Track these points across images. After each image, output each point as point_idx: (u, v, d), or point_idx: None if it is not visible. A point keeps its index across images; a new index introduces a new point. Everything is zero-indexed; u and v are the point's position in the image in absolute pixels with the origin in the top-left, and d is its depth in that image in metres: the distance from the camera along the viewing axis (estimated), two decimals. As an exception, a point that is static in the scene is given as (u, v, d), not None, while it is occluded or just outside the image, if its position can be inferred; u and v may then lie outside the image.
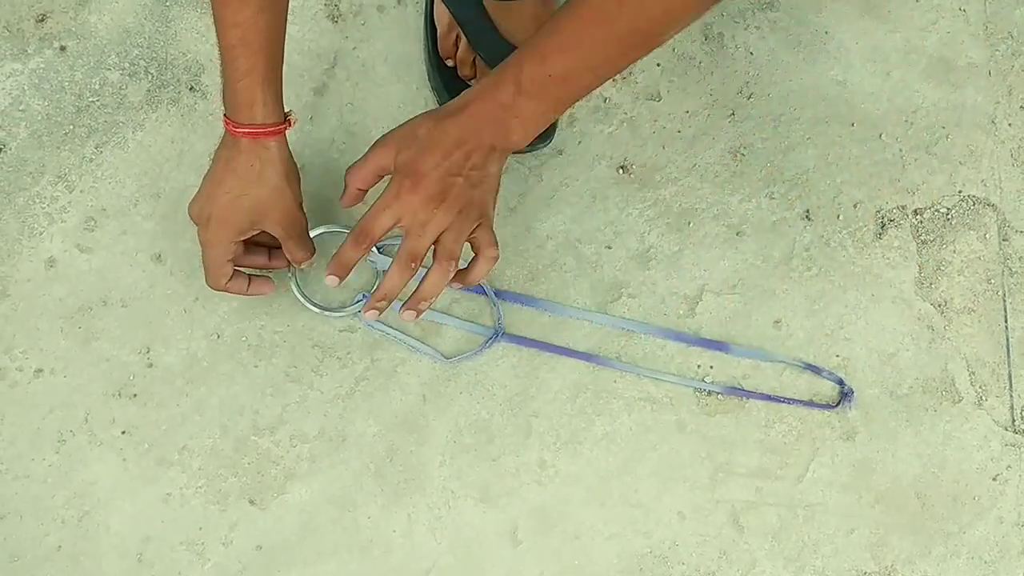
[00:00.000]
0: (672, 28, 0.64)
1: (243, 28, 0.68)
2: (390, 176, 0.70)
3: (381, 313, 0.74)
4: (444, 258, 0.70)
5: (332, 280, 0.72)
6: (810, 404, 0.86)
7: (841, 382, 0.86)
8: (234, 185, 0.74)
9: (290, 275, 0.84)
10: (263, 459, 0.84)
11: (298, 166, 0.89)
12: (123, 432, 0.83)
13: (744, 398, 0.86)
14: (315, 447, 0.84)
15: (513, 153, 0.90)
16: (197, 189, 0.76)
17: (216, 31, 0.70)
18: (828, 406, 0.86)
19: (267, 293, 0.83)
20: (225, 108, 0.73)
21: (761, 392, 0.86)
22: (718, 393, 0.86)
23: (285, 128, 0.74)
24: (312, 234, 0.84)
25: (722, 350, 0.86)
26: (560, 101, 0.67)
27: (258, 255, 0.81)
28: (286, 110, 0.74)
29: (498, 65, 0.68)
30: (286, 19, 0.72)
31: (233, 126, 0.72)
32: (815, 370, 0.86)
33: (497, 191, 0.71)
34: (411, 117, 0.70)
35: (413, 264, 0.70)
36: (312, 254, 0.80)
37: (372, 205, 0.70)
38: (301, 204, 0.78)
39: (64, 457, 0.83)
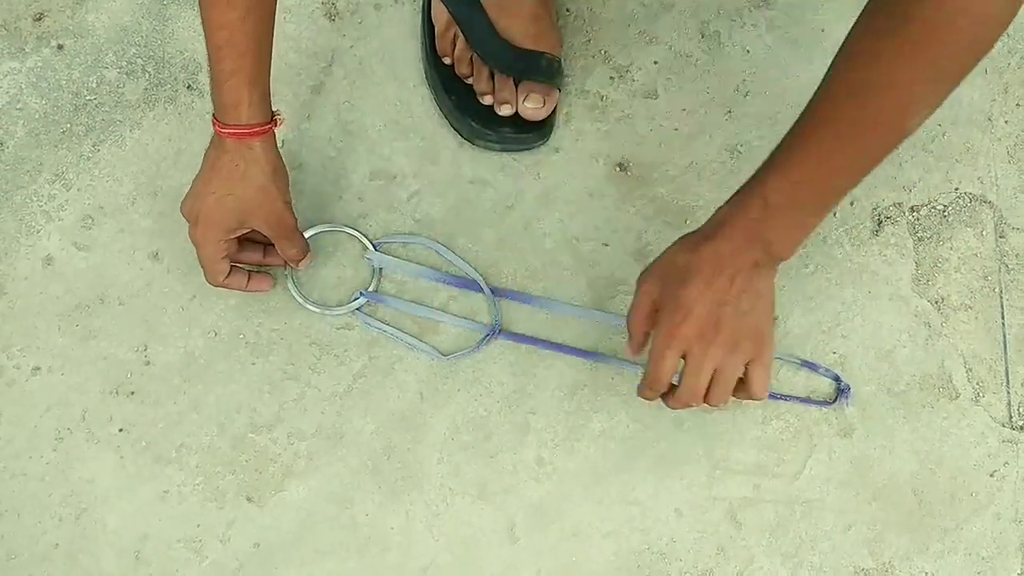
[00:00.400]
0: (916, 122, 0.63)
1: (229, 30, 0.69)
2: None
3: None
4: (715, 399, 0.70)
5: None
6: (807, 401, 0.86)
7: (838, 378, 0.86)
8: (219, 185, 0.74)
9: (287, 273, 0.85)
10: (261, 457, 0.84)
11: (296, 164, 0.89)
12: (120, 430, 0.83)
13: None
14: (313, 445, 0.84)
15: (511, 151, 0.90)
16: (186, 198, 0.77)
17: (204, 32, 0.70)
18: (825, 403, 0.86)
19: (266, 290, 0.83)
20: (213, 108, 0.73)
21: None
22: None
23: (271, 128, 0.74)
24: (308, 233, 0.84)
25: None
26: (816, 205, 0.66)
27: (254, 252, 0.81)
28: (275, 110, 0.75)
29: (744, 184, 0.68)
30: (274, 21, 0.72)
31: (220, 126, 0.73)
32: (812, 367, 0.87)
33: (772, 310, 0.70)
34: (669, 248, 0.71)
35: (694, 403, 0.71)
36: (305, 253, 0.81)
37: (652, 350, 0.70)
38: (289, 203, 0.78)
39: (61, 455, 0.83)
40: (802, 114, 0.65)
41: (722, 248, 0.67)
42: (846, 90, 0.63)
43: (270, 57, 0.73)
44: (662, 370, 0.70)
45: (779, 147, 0.66)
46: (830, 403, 0.86)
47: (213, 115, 0.73)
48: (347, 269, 0.87)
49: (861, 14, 0.62)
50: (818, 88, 0.65)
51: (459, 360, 0.86)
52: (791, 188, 0.65)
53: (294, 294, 0.85)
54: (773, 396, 0.86)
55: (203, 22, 0.70)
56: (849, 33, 0.63)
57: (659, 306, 0.70)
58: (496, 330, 0.85)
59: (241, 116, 0.72)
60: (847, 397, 0.86)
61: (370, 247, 0.86)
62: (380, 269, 0.86)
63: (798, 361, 0.87)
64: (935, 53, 0.59)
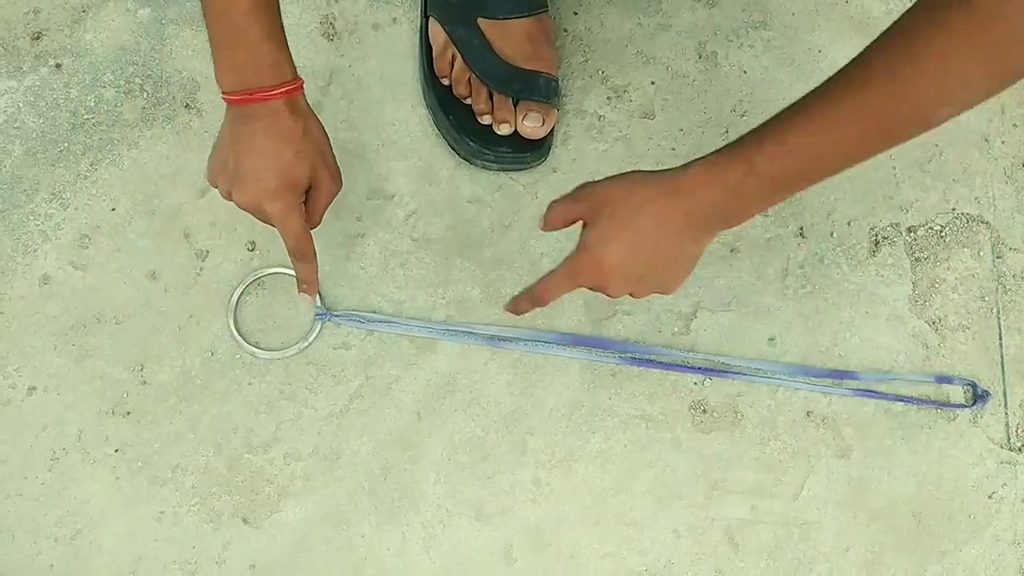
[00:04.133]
0: (942, 115, 0.58)
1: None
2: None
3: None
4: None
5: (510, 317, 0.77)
6: (946, 405, 0.87)
7: (974, 385, 0.88)
8: (286, 148, 0.72)
9: (233, 334, 0.85)
10: (257, 477, 0.83)
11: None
12: (116, 450, 0.83)
13: (858, 396, 0.87)
14: (309, 465, 0.84)
15: (509, 170, 0.90)
16: (240, 184, 0.73)
17: (215, 6, 0.67)
18: (964, 405, 0.87)
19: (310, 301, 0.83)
20: (242, 83, 0.69)
21: (887, 393, 0.88)
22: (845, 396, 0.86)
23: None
24: (266, 272, 0.86)
25: (851, 378, 0.87)
26: (797, 181, 0.63)
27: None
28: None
29: (733, 143, 0.64)
30: None
31: (264, 93, 0.69)
32: (946, 380, 0.87)
33: (694, 267, 0.70)
34: (630, 178, 0.68)
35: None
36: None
37: (564, 270, 0.69)
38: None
39: (57, 475, 0.83)
40: (820, 85, 0.60)
41: (685, 207, 0.65)
42: (884, 57, 0.58)
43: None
44: (558, 292, 0.70)
45: (782, 112, 0.61)
46: (968, 405, 0.87)
47: (242, 92, 0.70)
48: (300, 304, 0.86)
49: None
50: (853, 59, 0.59)
51: (303, 351, 0.85)
52: (785, 155, 0.61)
53: (241, 343, 0.85)
54: (909, 400, 0.87)
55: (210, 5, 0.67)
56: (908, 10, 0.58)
57: (591, 221, 0.68)
58: (326, 315, 0.85)
59: (286, 73, 0.70)
60: (986, 401, 0.87)
61: (319, 302, 0.86)
62: (322, 325, 0.86)
63: (932, 378, 0.87)
64: (996, 38, 0.54)
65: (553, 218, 0.71)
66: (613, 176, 0.69)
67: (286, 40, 0.71)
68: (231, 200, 0.75)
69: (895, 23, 0.58)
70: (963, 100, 0.58)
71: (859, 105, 0.58)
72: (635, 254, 0.67)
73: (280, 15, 0.70)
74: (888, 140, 0.60)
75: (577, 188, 0.70)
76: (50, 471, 0.83)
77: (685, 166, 0.65)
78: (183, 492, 0.83)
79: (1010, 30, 0.53)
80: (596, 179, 0.69)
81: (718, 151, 0.64)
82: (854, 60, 0.59)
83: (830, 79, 0.60)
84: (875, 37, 0.58)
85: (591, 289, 0.70)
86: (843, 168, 0.61)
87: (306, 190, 0.75)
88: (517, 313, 0.75)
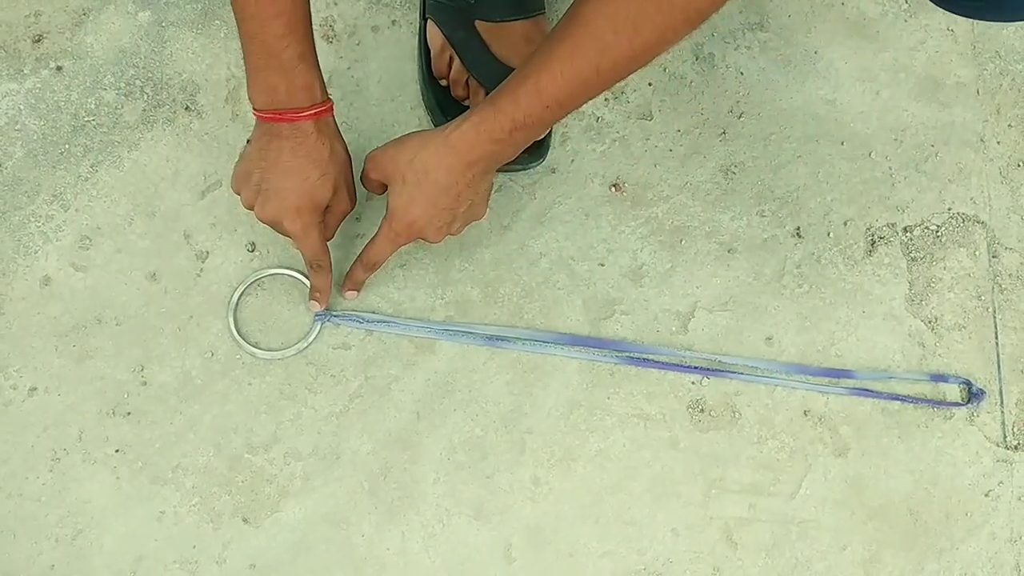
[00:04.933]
0: (664, 49, 0.65)
1: (288, 16, 0.69)
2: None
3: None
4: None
5: (351, 295, 0.85)
6: (940, 404, 0.88)
7: (969, 383, 0.88)
8: (312, 169, 0.74)
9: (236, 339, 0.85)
10: (257, 477, 0.84)
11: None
12: (117, 450, 0.83)
13: (855, 395, 0.87)
14: (309, 465, 0.84)
15: (507, 171, 0.91)
16: (263, 199, 0.76)
17: (248, 29, 0.69)
18: (958, 404, 0.88)
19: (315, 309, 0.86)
20: (273, 103, 0.72)
21: (882, 392, 0.89)
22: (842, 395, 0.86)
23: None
24: (267, 273, 0.87)
25: (848, 377, 0.87)
26: (557, 119, 0.70)
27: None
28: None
29: (491, 95, 0.70)
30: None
31: (294, 114, 0.72)
32: (941, 379, 0.88)
33: (488, 199, 0.79)
34: (408, 142, 0.75)
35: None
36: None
37: (379, 236, 0.78)
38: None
39: (58, 475, 0.83)
40: (548, 39, 0.67)
41: (465, 160, 0.72)
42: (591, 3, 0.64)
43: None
44: (384, 255, 0.80)
45: (526, 66, 0.68)
46: (964, 404, 0.88)
47: (272, 111, 0.72)
48: (300, 305, 0.87)
49: None
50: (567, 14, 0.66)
51: (303, 352, 0.86)
52: (541, 108, 0.67)
53: (241, 343, 0.86)
54: (906, 399, 0.87)
55: (249, 17, 0.69)
56: None
57: (391, 188, 0.76)
58: (326, 315, 0.86)
59: (316, 95, 0.72)
60: (980, 400, 0.87)
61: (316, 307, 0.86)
62: (321, 326, 0.86)
63: (927, 377, 0.87)
64: None
65: (370, 188, 0.79)
66: (392, 144, 0.76)
67: (318, 62, 0.73)
68: (251, 211, 0.77)
69: None
70: (677, 39, 0.65)
71: (586, 46, 0.65)
72: (438, 207, 0.75)
73: (312, 38, 0.72)
74: (623, 75, 0.67)
75: (367, 161, 0.77)
76: (51, 471, 0.83)
77: (456, 124, 0.72)
78: (183, 492, 0.83)
79: None
80: (377, 148, 0.77)
81: (480, 107, 0.70)
82: (568, 14, 0.66)
83: (554, 31, 0.67)
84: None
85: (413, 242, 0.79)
86: (588, 100, 0.69)
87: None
88: (356, 286, 0.84)
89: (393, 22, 0.94)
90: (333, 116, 0.75)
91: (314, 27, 0.93)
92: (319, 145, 0.74)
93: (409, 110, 0.92)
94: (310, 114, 0.72)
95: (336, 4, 0.95)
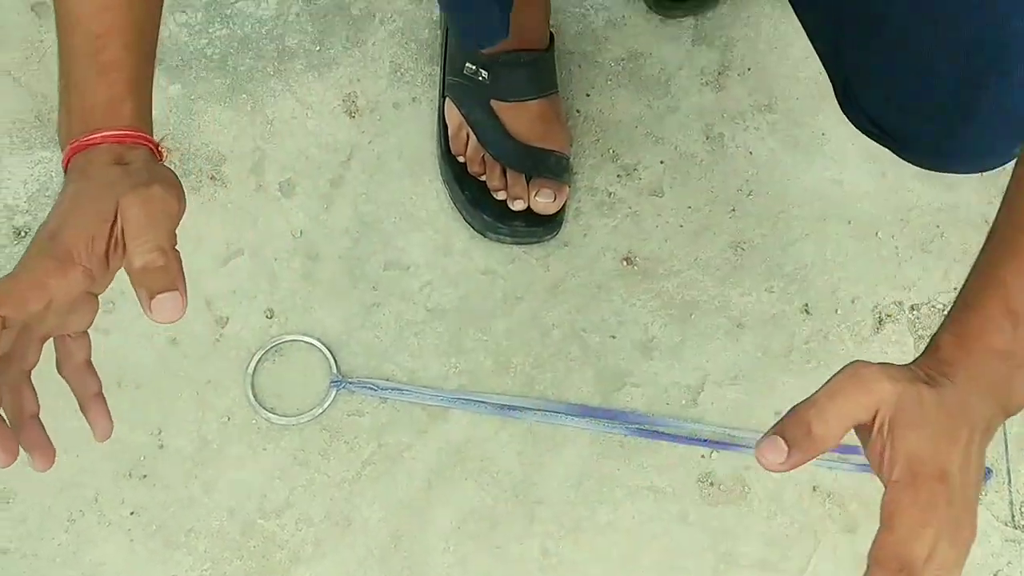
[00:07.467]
0: None
1: (114, 14, 0.54)
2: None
3: None
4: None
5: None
6: None
7: None
8: (89, 199, 0.52)
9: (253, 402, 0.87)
10: (268, 542, 0.84)
11: (313, 254, 0.92)
12: (132, 513, 0.84)
13: (863, 471, 0.84)
14: (320, 531, 0.85)
15: (521, 243, 0.93)
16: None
17: (66, 25, 0.54)
18: None
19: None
20: (70, 128, 0.55)
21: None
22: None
23: (156, 150, 0.56)
24: (288, 339, 0.88)
25: (856, 453, 0.86)
26: None
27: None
28: (159, 140, 0.59)
29: (959, 298, 0.51)
30: (159, 22, 0.58)
31: (83, 139, 0.53)
32: None
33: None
34: (909, 371, 0.49)
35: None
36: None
37: (899, 520, 0.45)
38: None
39: (73, 536, 0.84)
40: (994, 236, 0.52)
41: (961, 396, 0.48)
42: None
43: (153, 69, 0.57)
44: (916, 554, 0.44)
45: (979, 264, 0.51)
46: None
47: (70, 143, 0.54)
48: (316, 371, 0.89)
49: None
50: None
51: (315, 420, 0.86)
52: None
53: (257, 409, 0.87)
54: None
55: (70, 10, 0.54)
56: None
57: (884, 427, 0.48)
58: (341, 382, 0.87)
59: (123, 116, 0.54)
60: (988, 479, 0.87)
61: (334, 369, 0.88)
62: (336, 392, 0.88)
63: None
64: None
65: (837, 424, 0.49)
66: (888, 376, 0.49)
67: (147, 90, 0.57)
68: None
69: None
70: None
71: None
72: (954, 467, 0.47)
73: (147, 56, 0.57)
74: None
75: (854, 377, 0.49)
76: (67, 532, 0.84)
77: (934, 351, 0.49)
78: (196, 556, 0.84)
79: None
80: (864, 375, 0.49)
81: (959, 315, 0.50)
82: (1008, 205, 0.53)
83: (1000, 226, 0.52)
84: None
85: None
86: None
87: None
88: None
89: (414, 99, 0.98)
90: (150, 156, 0.56)
91: (337, 103, 0.97)
92: (104, 168, 0.53)
93: (427, 183, 0.95)
94: (100, 138, 0.53)
95: (359, 80, 0.98)
